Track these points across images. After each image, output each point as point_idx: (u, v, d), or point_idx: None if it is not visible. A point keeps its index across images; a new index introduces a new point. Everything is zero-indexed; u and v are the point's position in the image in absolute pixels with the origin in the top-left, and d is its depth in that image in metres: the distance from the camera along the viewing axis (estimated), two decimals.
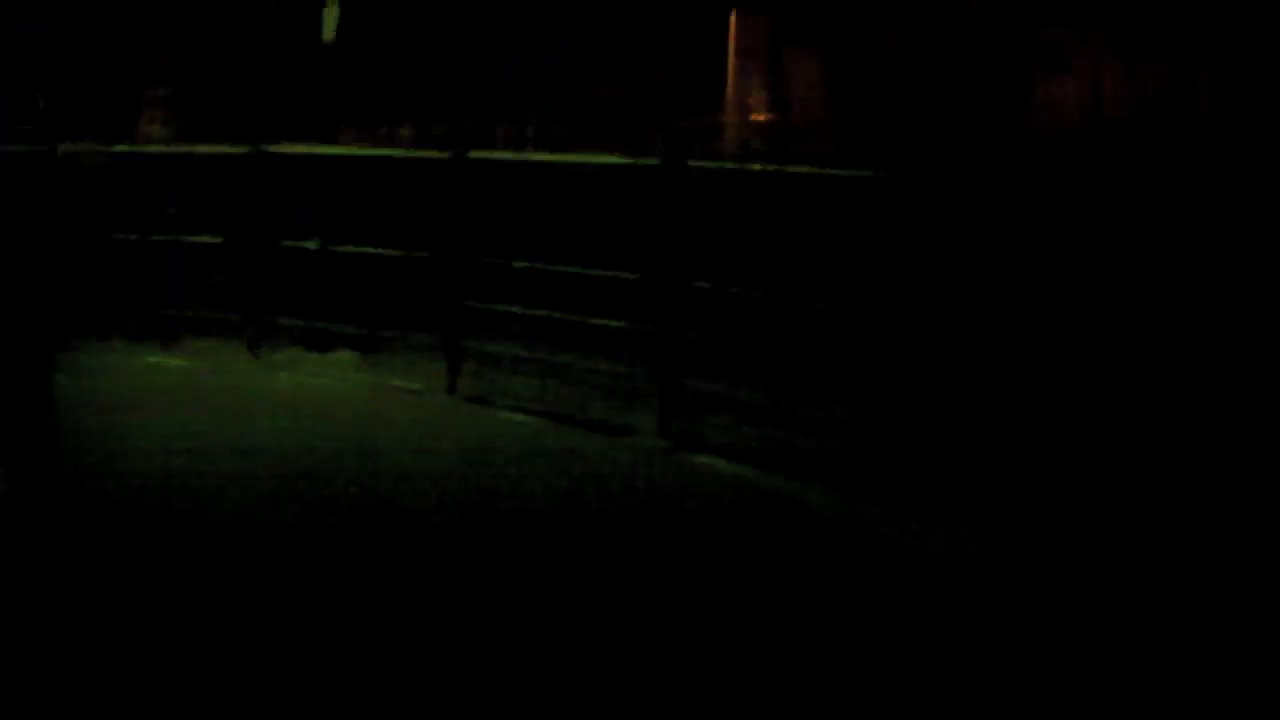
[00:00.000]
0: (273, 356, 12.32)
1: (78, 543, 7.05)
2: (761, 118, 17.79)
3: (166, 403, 10.49)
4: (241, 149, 12.77)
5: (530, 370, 10.95)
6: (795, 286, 8.94)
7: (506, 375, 11.00)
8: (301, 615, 6.06)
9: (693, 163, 9.42)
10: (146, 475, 8.30)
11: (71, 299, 13.25)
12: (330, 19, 17.60)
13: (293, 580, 6.57)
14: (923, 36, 16.19)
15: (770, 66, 18.53)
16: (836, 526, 7.78)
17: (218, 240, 12.71)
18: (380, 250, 11.64)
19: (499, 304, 10.85)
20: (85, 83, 15.25)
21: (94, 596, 6.22)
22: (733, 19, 18.29)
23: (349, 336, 12.24)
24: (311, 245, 12.12)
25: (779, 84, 18.39)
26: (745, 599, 6.41)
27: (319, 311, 12.26)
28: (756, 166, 9.12)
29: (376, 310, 12.11)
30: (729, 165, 9.49)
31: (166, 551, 6.88)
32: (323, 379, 11.60)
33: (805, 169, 8.89)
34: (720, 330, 9.37)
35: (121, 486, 8.08)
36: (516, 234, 10.75)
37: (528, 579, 6.64)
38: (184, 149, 13.67)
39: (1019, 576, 6.86)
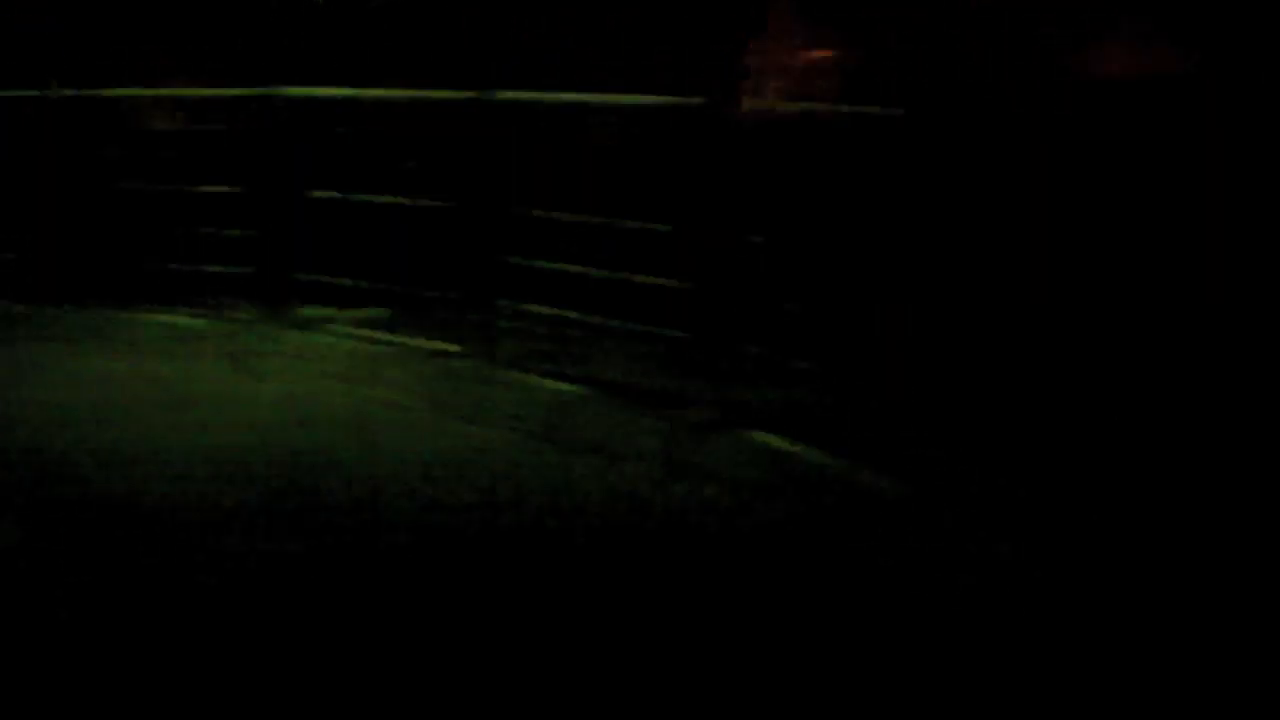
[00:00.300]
0: (297, 314, 11.49)
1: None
2: (818, 55, 16.81)
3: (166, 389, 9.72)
4: (254, 90, 11.89)
5: (573, 332, 10.10)
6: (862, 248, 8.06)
7: (545, 339, 10.17)
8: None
9: (746, 102, 8.54)
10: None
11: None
12: None
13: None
14: None
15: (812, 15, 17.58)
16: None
17: (233, 190, 11.86)
18: (401, 200, 10.78)
19: (535, 259, 10.00)
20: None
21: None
22: None
23: (382, 293, 11.39)
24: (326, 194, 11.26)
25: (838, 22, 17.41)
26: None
27: (346, 266, 11.42)
28: (817, 108, 8.17)
29: (412, 264, 11.28)
30: (786, 106, 8.55)
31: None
32: (349, 343, 10.77)
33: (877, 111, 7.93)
34: (775, 295, 8.51)
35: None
36: (549, 184, 9.88)
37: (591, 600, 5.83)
38: (190, 92, 12.75)
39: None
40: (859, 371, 8.10)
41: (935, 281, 7.71)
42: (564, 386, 9.32)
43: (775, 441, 8.10)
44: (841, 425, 8.03)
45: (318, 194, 11.29)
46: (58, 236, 12.52)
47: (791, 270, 8.41)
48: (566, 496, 7.21)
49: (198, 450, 7.91)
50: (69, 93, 12.71)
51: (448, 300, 10.71)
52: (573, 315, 9.89)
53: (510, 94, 10.21)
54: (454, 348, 10.32)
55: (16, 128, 12.76)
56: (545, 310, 10.04)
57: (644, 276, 9.30)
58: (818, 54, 18.87)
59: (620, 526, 6.86)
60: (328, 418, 8.65)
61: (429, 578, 6.12)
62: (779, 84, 17.19)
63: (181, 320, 11.63)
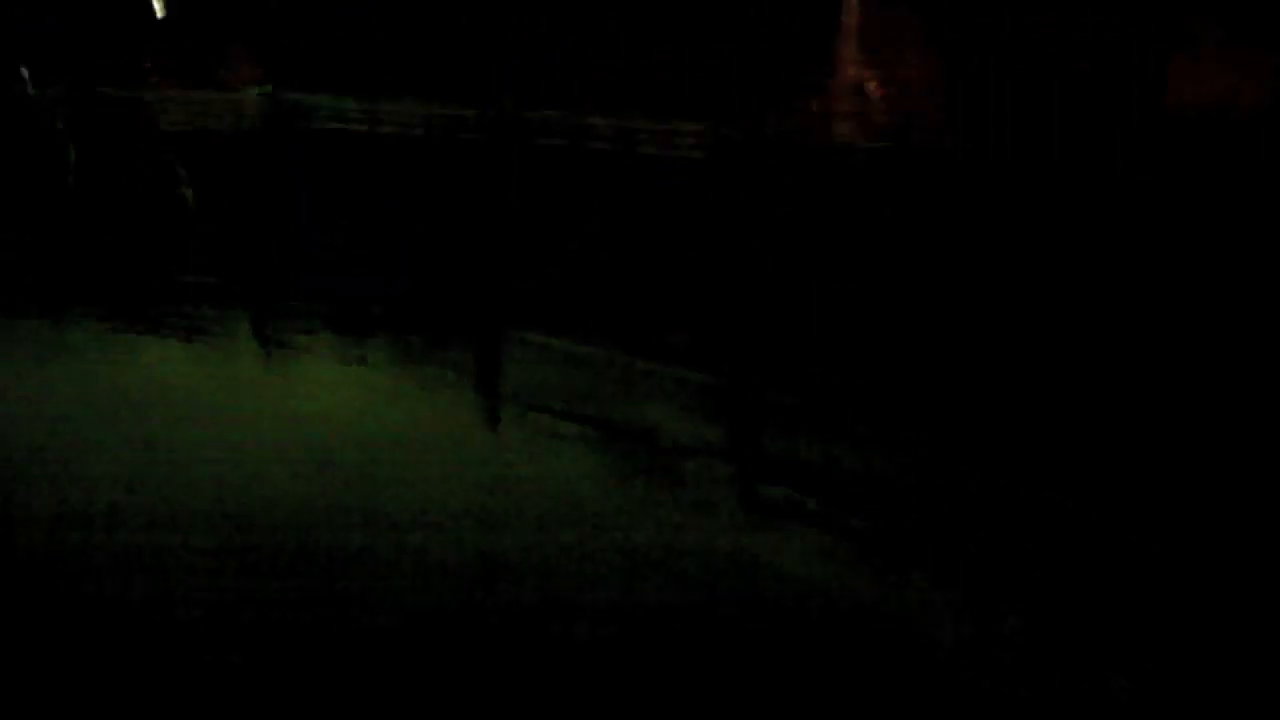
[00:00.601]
0: (289, 340, 10.67)
1: None
2: (872, 93, 16.10)
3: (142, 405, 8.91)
4: (263, 90, 11.10)
5: (584, 367, 9.26)
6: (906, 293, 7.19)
7: (553, 371, 9.33)
8: None
9: (779, 136, 7.71)
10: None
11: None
12: None
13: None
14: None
15: (880, 41, 16.92)
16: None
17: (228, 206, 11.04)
18: (411, 222, 9.98)
19: (546, 292, 9.19)
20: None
21: None
22: None
23: (384, 319, 10.57)
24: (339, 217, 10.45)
25: (890, 61, 16.75)
26: None
27: (351, 291, 10.61)
28: (850, 141, 7.32)
29: (418, 289, 10.48)
30: (826, 141, 7.70)
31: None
32: (338, 372, 9.96)
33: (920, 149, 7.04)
34: (805, 343, 7.67)
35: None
36: (570, 213, 9.05)
37: None
38: (204, 95, 11.96)
39: None
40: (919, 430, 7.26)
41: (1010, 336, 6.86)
42: (574, 428, 8.50)
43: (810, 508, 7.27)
44: (885, 491, 7.21)
45: (318, 209, 10.50)
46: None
47: (839, 315, 7.57)
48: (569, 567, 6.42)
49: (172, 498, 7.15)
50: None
51: (456, 328, 9.90)
52: (591, 351, 9.06)
53: (533, 113, 9.43)
54: (461, 382, 9.51)
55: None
56: (558, 343, 9.22)
57: (658, 305, 8.49)
58: (877, 86, 18.04)
59: (625, 605, 6.06)
60: (321, 462, 7.90)
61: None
62: (834, 114, 16.37)
63: (170, 345, 10.86)
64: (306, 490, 7.46)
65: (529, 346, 9.65)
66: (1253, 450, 6.58)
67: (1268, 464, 6.56)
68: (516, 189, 9.07)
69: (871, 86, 17.91)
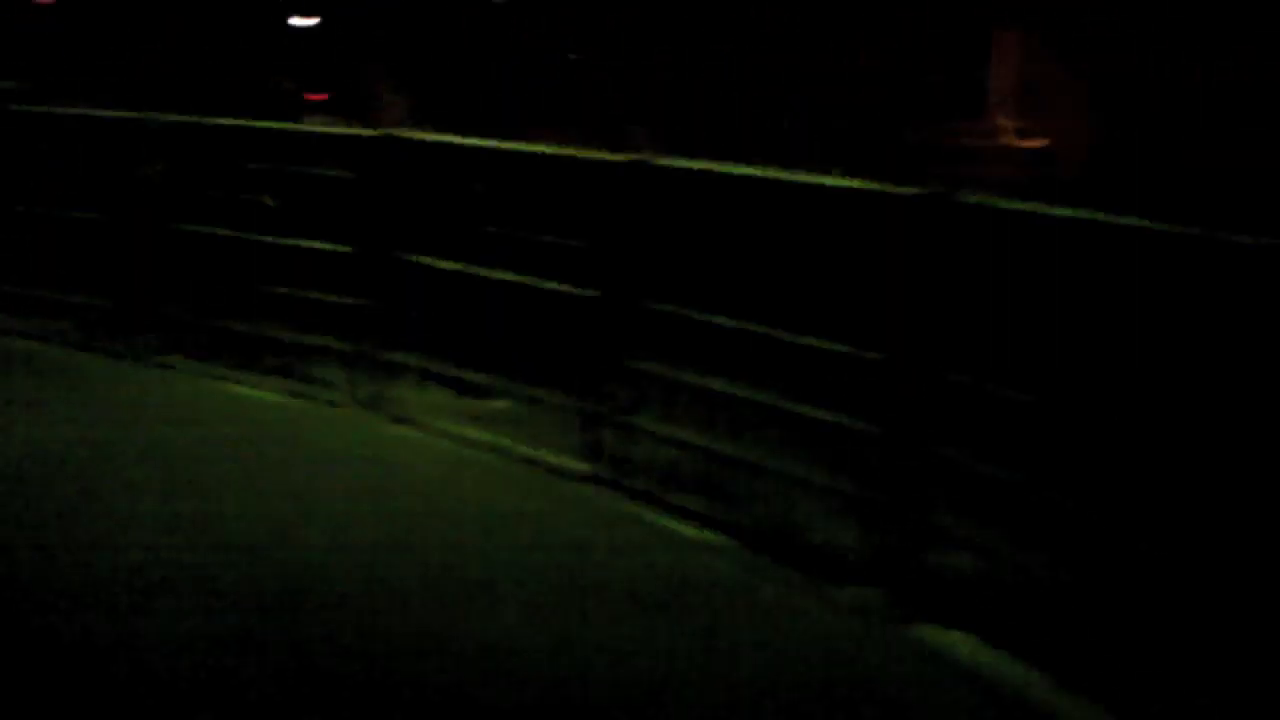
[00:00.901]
0: (386, 395, 9.54)
1: None
2: (1026, 143, 14.98)
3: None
4: (376, 133, 10.01)
5: (718, 460, 8.04)
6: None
7: (674, 454, 8.14)
8: None
9: (968, 197, 6.46)
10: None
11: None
12: None
13: None
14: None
15: (1033, 87, 15.93)
16: None
17: (328, 248, 9.96)
18: (524, 278, 8.83)
19: (681, 365, 7.99)
20: None
21: None
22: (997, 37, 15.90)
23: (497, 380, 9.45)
24: (449, 265, 9.30)
25: (1042, 107, 15.75)
26: None
27: (455, 344, 9.50)
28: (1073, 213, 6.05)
29: (531, 350, 9.37)
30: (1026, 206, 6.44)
31: None
32: (450, 445, 8.82)
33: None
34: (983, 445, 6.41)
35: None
36: (700, 272, 7.86)
37: None
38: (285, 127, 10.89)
39: None
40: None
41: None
42: (702, 535, 7.29)
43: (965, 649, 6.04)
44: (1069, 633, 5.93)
45: (426, 260, 9.38)
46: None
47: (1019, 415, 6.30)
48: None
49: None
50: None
51: (574, 395, 8.74)
52: (724, 449, 7.86)
53: (669, 161, 8.23)
54: (576, 465, 8.32)
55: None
56: (691, 436, 8.02)
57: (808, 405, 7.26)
58: (1034, 142, 16.83)
59: None
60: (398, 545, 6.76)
61: None
62: (992, 171, 15.19)
63: (263, 395, 9.78)
64: (367, 581, 6.35)
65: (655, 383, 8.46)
66: None
67: None
68: (650, 248, 7.91)
69: (1023, 140, 16.80)
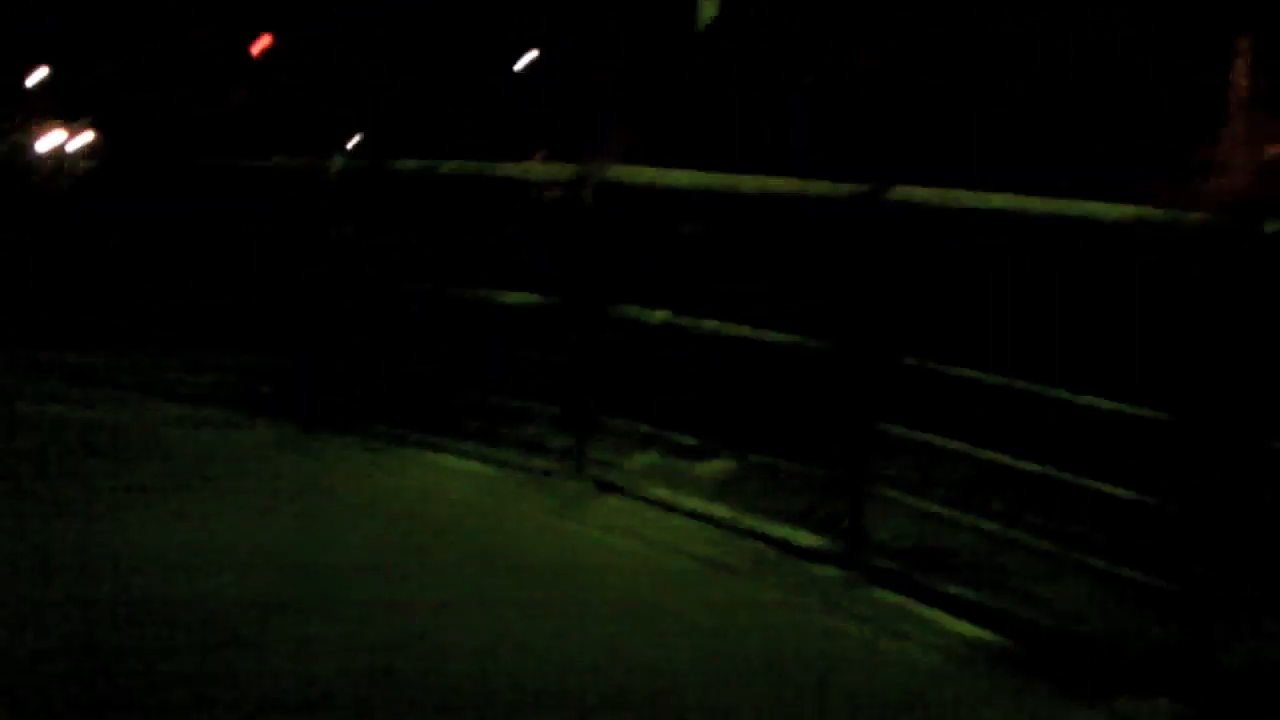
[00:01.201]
0: (595, 459, 8.60)
1: None
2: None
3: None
4: (569, 170, 9.07)
5: (982, 536, 7.00)
6: None
7: (930, 529, 7.11)
8: None
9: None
10: None
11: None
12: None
13: None
14: None
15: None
16: None
17: (534, 300, 9.05)
18: (753, 332, 7.85)
19: (934, 430, 6.97)
20: None
21: None
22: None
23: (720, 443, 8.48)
24: (657, 316, 8.36)
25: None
26: None
27: (664, 403, 8.57)
28: None
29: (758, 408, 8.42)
30: None
31: None
32: (676, 520, 7.84)
33: None
34: None
35: None
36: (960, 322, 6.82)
37: None
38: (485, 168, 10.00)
39: None
40: None
41: None
42: (973, 632, 6.24)
43: None
44: None
45: (634, 310, 8.45)
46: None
47: None
48: None
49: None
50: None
51: (805, 459, 7.76)
52: (991, 527, 6.83)
53: (910, 191, 7.18)
54: (811, 540, 7.33)
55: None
56: (949, 511, 7.00)
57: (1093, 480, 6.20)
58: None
59: None
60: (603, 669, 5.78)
61: None
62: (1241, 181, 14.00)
63: (465, 465, 8.88)
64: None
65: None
66: None
67: None
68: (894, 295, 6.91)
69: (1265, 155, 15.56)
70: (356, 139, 19.00)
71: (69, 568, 6.57)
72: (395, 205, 10.31)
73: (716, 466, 8.60)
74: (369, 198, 10.16)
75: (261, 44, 22.40)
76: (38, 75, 23.27)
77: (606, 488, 8.34)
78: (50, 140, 19.71)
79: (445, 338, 9.50)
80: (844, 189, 7.28)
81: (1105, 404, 6.08)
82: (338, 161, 9.97)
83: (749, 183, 8.29)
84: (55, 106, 21.82)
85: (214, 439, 9.38)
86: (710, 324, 8.06)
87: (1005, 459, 6.57)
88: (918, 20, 14.27)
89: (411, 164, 10.18)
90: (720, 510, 7.86)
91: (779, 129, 14.18)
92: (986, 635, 6.19)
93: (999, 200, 6.89)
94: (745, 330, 7.78)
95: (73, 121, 20.74)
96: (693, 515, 7.83)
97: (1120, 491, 6.07)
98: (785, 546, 7.31)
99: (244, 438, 9.42)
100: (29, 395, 10.33)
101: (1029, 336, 6.57)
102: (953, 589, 6.57)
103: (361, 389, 9.87)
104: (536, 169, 9.58)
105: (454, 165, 9.97)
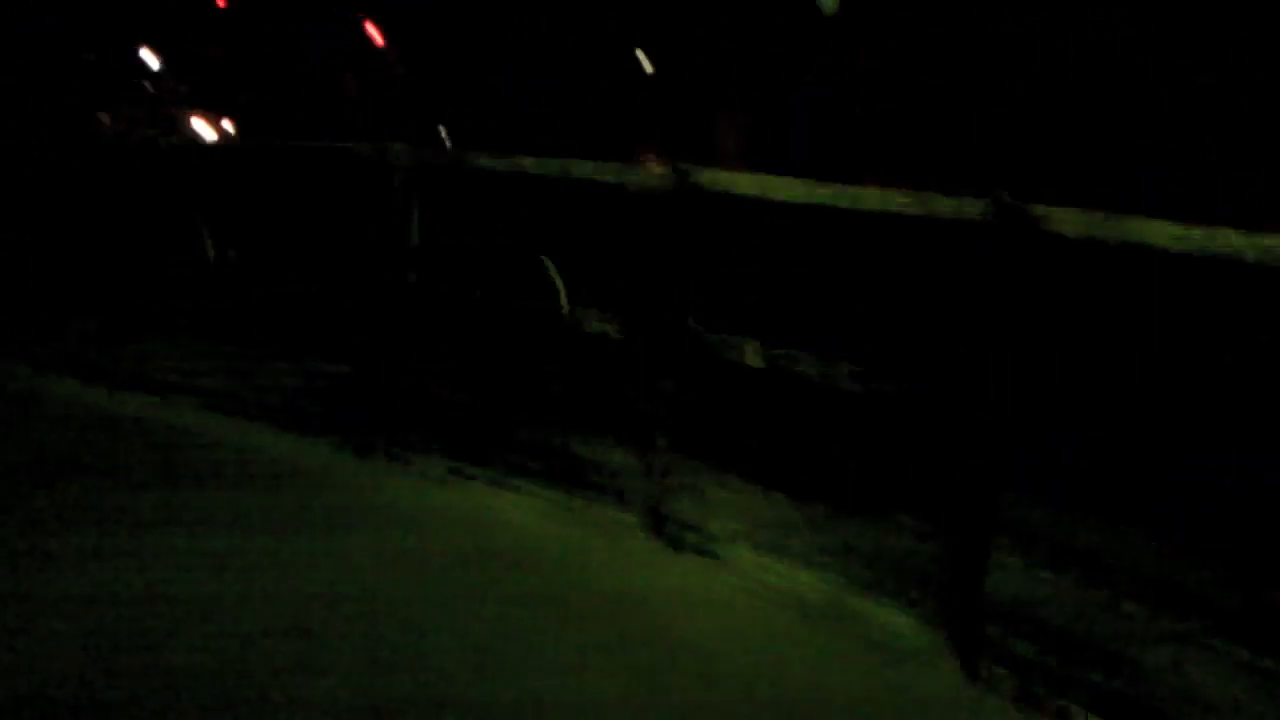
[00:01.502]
0: (673, 517, 7.32)
1: None
2: None
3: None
4: (668, 177, 7.76)
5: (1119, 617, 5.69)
6: None
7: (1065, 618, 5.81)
8: None
9: None
10: None
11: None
12: None
13: None
14: None
15: None
16: None
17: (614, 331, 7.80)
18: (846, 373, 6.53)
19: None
20: None
21: None
22: None
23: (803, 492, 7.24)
24: (754, 358, 7.03)
25: None
26: None
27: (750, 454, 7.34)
28: None
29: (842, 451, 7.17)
30: None
31: None
32: (751, 588, 6.57)
33: None
34: None
35: None
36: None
37: None
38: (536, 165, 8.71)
39: None
40: None
41: None
42: None
43: None
44: None
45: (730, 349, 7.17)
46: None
47: None
48: None
49: None
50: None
51: (917, 531, 6.51)
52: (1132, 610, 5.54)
53: (1049, 212, 5.82)
54: (920, 634, 6.04)
55: None
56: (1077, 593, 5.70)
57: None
58: None
59: None
60: None
61: None
62: None
63: (525, 521, 7.65)
64: None
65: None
66: None
67: None
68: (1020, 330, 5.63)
69: None
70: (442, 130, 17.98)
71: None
72: (472, 205, 9.19)
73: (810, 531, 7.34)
74: (443, 196, 9.00)
75: (374, 34, 21.54)
76: (147, 59, 22.53)
77: (680, 546, 7.11)
78: (208, 130, 19.50)
79: (513, 363, 8.34)
80: (974, 206, 5.93)
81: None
82: (402, 152, 8.70)
83: (871, 198, 6.90)
84: (183, 95, 21.40)
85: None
86: (809, 364, 6.74)
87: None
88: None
89: (487, 160, 8.91)
90: (817, 584, 6.57)
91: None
92: None
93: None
94: (843, 376, 6.43)
95: (209, 111, 20.51)
96: (781, 594, 6.57)
97: None
98: (893, 647, 6.02)
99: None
100: None
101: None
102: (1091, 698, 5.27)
103: (425, 413, 8.76)
104: (631, 173, 8.25)
105: (534, 163, 8.70)
